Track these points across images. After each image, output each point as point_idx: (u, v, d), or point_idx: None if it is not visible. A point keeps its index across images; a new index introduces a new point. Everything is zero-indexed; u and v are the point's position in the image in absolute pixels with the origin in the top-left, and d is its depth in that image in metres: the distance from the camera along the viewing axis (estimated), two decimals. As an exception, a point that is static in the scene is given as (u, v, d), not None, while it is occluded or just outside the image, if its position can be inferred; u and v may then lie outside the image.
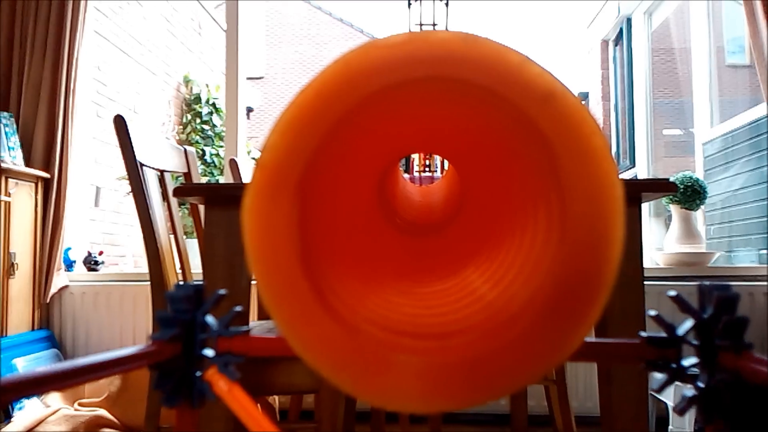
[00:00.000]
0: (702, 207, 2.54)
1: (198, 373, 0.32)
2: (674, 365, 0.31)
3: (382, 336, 0.28)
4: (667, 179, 1.93)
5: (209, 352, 0.33)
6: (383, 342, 0.28)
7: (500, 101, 0.24)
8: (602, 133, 0.24)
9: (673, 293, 0.30)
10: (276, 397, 2.16)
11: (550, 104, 0.23)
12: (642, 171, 3.88)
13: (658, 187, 1.24)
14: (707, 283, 0.30)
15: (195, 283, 0.32)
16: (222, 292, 0.33)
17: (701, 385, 0.30)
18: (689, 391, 0.31)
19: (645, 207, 3.01)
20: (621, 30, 4.72)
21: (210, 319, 0.33)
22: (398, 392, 0.26)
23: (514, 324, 0.27)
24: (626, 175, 4.85)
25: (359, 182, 0.42)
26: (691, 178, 2.44)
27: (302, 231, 0.27)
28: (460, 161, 0.47)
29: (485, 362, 0.26)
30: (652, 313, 0.31)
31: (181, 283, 0.32)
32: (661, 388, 0.31)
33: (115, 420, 2.00)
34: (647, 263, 2.67)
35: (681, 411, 0.30)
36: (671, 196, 2.46)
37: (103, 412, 1.99)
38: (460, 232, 0.53)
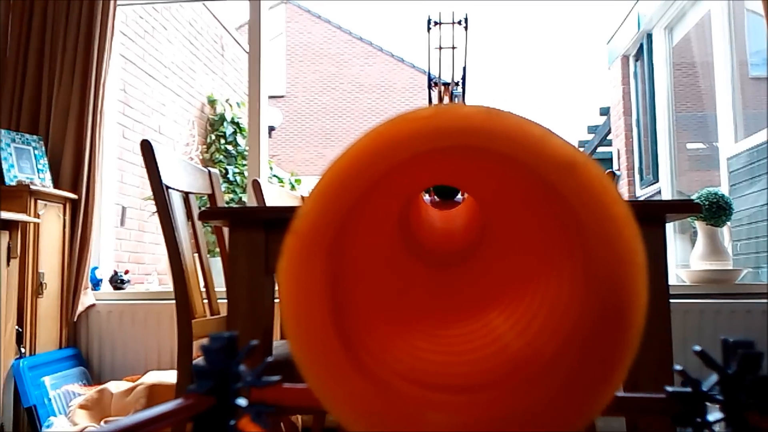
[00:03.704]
0: (728, 223, 2.50)
1: (232, 422, 0.33)
2: (699, 420, 0.31)
3: (411, 391, 0.29)
4: (692, 199, 1.90)
5: (242, 402, 0.34)
6: (413, 398, 0.28)
7: (524, 168, 0.25)
8: (624, 201, 0.24)
9: (697, 348, 0.31)
10: (299, 416, 2.16)
11: (572, 174, 0.23)
12: (665, 186, 3.84)
13: (682, 207, 1.23)
14: (731, 339, 0.30)
15: (228, 333, 0.34)
16: (254, 342, 0.34)
17: (727, 440, 0.30)
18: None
19: (670, 223, 2.97)
20: (641, 45, 4.70)
21: (243, 368, 0.34)
22: (430, 452, 0.26)
23: (541, 381, 0.27)
24: (649, 190, 4.79)
25: (383, 223, 0.43)
26: (716, 194, 2.41)
27: (333, 287, 0.28)
28: (482, 202, 0.48)
29: (513, 421, 0.26)
30: (678, 368, 0.31)
31: (216, 334, 0.33)
32: (687, 444, 0.31)
33: (141, 439, 2.02)
34: (672, 280, 2.64)
35: (707, 465, 0.30)
36: (696, 213, 2.43)
37: (128, 431, 2.02)
38: (482, 266, 0.53)
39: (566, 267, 0.30)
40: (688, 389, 0.31)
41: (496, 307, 0.41)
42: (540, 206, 0.31)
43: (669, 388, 0.32)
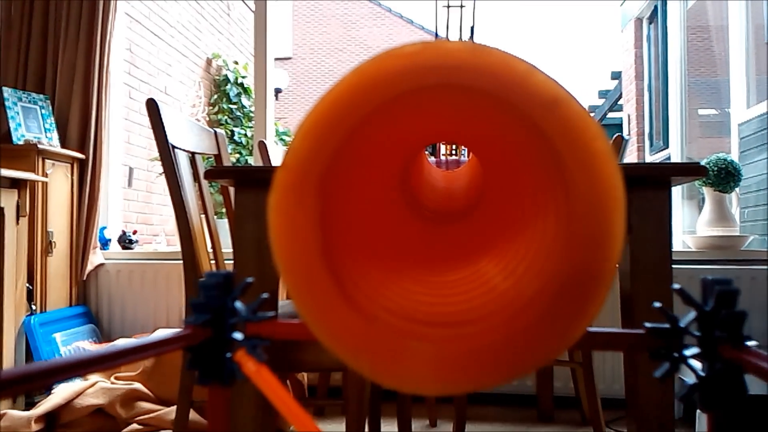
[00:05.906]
0: (736, 189, 2.48)
1: (228, 355, 0.35)
2: (676, 355, 0.32)
3: (398, 324, 0.30)
4: (697, 162, 1.89)
5: (238, 336, 0.35)
6: (399, 329, 0.29)
7: (508, 107, 0.25)
8: (606, 137, 0.25)
9: (677, 286, 0.32)
10: (305, 374, 2.21)
11: (554, 110, 0.24)
12: (675, 152, 3.80)
13: (687, 170, 1.22)
14: (709, 277, 0.31)
15: (225, 271, 0.35)
16: (249, 280, 0.35)
17: (702, 374, 0.31)
18: (691, 379, 0.32)
19: (678, 189, 2.95)
20: (655, 8, 4.60)
21: (239, 304, 0.36)
22: (412, 376, 0.27)
23: (524, 314, 0.28)
24: (659, 156, 4.75)
25: (382, 174, 0.43)
26: (724, 160, 2.39)
27: (325, 226, 0.29)
28: (480, 153, 0.48)
29: (494, 350, 0.27)
30: (657, 305, 0.32)
31: (213, 271, 0.34)
32: (664, 377, 0.32)
33: (150, 393, 2.07)
34: (679, 246, 2.64)
35: (683, 398, 0.31)
36: (704, 179, 2.41)
37: (138, 386, 2.07)
38: (478, 222, 0.54)
39: (551, 209, 0.30)
40: (667, 325, 0.32)
41: (488, 255, 0.41)
42: (527, 153, 0.31)
43: (648, 324, 0.33)
